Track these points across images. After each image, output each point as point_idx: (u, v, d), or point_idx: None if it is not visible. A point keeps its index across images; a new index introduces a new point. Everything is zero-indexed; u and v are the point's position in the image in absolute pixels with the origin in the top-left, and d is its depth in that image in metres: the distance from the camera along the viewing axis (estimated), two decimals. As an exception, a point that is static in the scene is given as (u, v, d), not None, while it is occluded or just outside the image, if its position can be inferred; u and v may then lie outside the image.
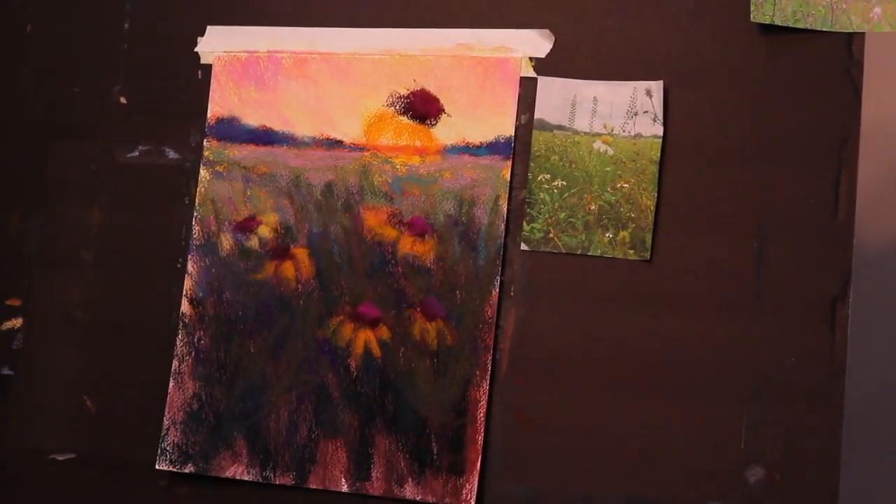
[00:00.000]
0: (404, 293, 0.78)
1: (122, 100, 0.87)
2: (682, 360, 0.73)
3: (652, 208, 0.74)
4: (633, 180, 0.75)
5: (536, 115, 0.77)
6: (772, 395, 0.71)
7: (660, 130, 0.75)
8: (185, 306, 0.82)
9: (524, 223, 0.77)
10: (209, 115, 0.84)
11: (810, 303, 0.71)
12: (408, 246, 0.78)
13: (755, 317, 0.72)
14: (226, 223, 0.82)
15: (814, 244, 0.72)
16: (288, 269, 0.81)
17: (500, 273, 0.76)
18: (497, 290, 0.76)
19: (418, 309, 0.77)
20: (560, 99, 0.77)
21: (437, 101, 0.80)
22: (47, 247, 0.87)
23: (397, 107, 0.80)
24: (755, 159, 0.74)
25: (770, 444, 0.71)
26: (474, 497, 0.74)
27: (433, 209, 0.78)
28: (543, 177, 0.77)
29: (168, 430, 0.81)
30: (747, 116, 0.74)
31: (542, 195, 0.76)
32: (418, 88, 0.80)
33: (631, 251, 0.75)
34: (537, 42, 0.79)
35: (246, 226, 0.82)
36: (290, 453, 0.78)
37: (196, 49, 0.86)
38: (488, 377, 0.75)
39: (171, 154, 0.85)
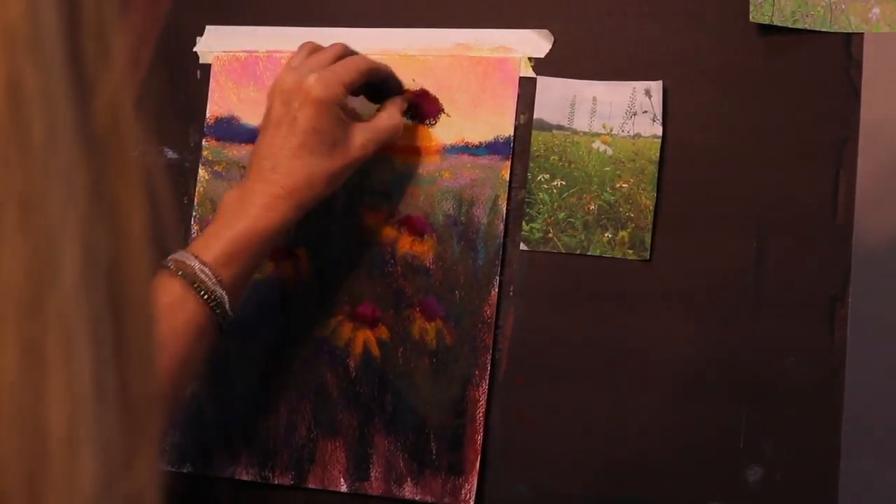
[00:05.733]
0: (403, 293, 0.78)
1: (121, 100, 0.87)
2: (682, 360, 0.73)
3: (651, 208, 0.74)
4: (632, 180, 0.75)
5: (535, 115, 0.77)
6: (772, 395, 0.71)
7: (659, 130, 0.75)
8: (183, 306, 0.82)
9: (523, 223, 0.76)
10: (208, 114, 0.84)
11: (810, 303, 0.71)
12: (407, 246, 0.78)
13: (755, 317, 0.72)
14: (225, 223, 0.82)
15: (813, 244, 0.72)
16: (286, 268, 0.80)
17: (499, 273, 0.76)
18: (496, 289, 0.76)
19: (417, 309, 0.77)
20: (559, 99, 0.77)
21: (436, 100, 0.80)
22: (46, 247, 0.87)
23: (396, 107, 0.80)
24: (754, 159, 0.74)
25: (770, 444, 0.71)
26: (473, 497, 0.74)
27: (432, 209, 0.78)
28: (542, 177, 0.77)
29: (167, 430, 0.81)
30: (746, 116, 0.74)
31: (541, 195, 0.76)
32: (417, 88, 0.80)
33: (630, 251, 0.74)
34: (536, 42, 0.79)
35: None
36: (289, 453, 0.78)
37: (195, 49, 0.86)
38: (487, 377, 0.75)
39: (170, 154, 0.85)
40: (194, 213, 0.83)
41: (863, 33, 0.72)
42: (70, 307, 0.24)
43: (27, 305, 0.23)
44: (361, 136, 0.73)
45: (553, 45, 0.78)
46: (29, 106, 0.23)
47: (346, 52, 0.75)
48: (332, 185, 0.72)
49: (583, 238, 0.75)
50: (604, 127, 0.76)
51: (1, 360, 0.22)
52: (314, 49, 0.75)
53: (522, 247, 0.76)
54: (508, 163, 0.77)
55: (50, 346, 0.23)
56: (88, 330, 0.24)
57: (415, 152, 0.79)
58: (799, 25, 0.73)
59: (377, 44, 0.81)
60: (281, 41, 0.84)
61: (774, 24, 0.74)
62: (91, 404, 0.24)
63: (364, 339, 0.78)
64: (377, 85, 0.77)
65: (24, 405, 0.23)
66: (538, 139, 0.77)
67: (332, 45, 0.76)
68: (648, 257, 0.74)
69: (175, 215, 0.79)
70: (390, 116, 0.76)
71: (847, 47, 0.73)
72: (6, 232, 0.23)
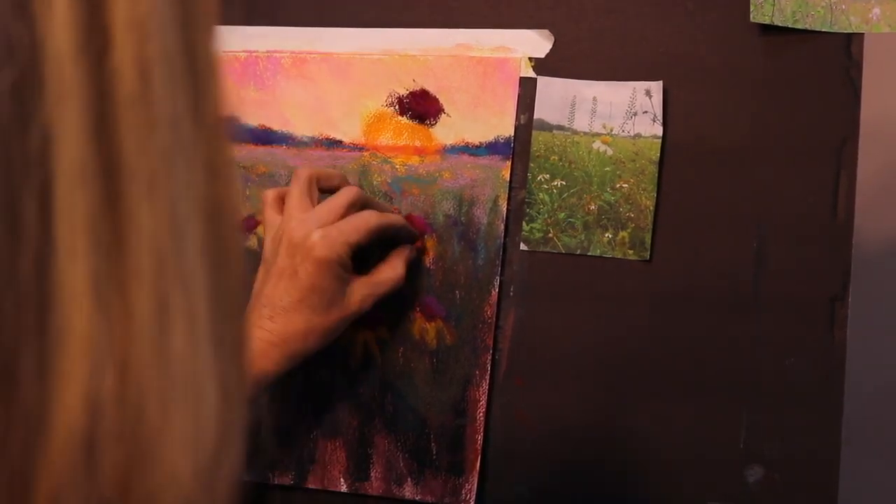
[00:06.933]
0: (403, 293, 0.78)
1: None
2: (681, 359, 0.73)
3: (651, 208, 0.74)
4: (632, 180, 0.75)
5: (536, 116, 0.77)
6: (771, 395, 0.71)
7: (659, 130, 0.75)
8: (183, 306, 0.82)
9: (523, 223, 0.76)
10: (208, 114, 0.84)
11: (809, 303, 0.71)
12: (407, 246, 0.78)
13: (754, 317, 0.72)
14: (225, 223, 0.82)
15: (813, 244, 0.72)
16: (287, 268, 0.80)
17: (499, 273, 0.76)
18: (496, 289, 0.76)
19: (417, 309, 0.77)
20: (559, 99, 0.77)
21: (436, 101, 0.80)
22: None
23: (396, 107, 0.80)
24: (754, 159, 0.74)
25: (769, 443, 0.71)
26: (474, 497, 0.74)
27: (432, 209, 0.78)
28: (543, 177, 0.77)
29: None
30: (746, 117, 0.74)
31: (541, 195, 0.76)
32: (418, 88, 0.80)
33: (630, 251, 0.74)
34: (537, 42, 0.79)
35: (245, 226, 0.82)
36: (289, 453, 0.78)
37: (195, 49, 0.86)
38: (488, 377, 0.75)
39: (171, 154, 0.85)
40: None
41: (863, 34, 0.72)
42: (193, 267, 0.28)
43: (161, 263, 0.27)
44: (361, 292, 0.71)
45: (553, 45, 0.78)
46: (157, 89, 0.27)
47: (356, 201, 0.72)
48: (326, 339, 0.71)
49: (583, 238, 0.75)
50: (604, 127, 0.76)
51: (140, 310, 0.27)
52: (315, 179, 0.73)
53: (523, 247, 0.76)
54: (509, 163, 0.77)
55: (175, 298, 0.27)
56: (206, 285, 0.29)
57: (415, 152, 0.79)
58: (799, 26, 0.73)
59: (377, 44, 0.82)
60: (281, 41, 0.84)
61: (775, 24, 0.74)
62: (208, 347, 0.29)
63: (364, 339, 0.78)
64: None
65: (157, 351, 0.27)
66: (538, 139, 0.77)
67: (344, 191, 0.73)
68: (648, 257, 0.74)
69: None
70: (393, 269, 0.74)
71: (847, 47, 0.73)
72: (142, 199, 0.27)
